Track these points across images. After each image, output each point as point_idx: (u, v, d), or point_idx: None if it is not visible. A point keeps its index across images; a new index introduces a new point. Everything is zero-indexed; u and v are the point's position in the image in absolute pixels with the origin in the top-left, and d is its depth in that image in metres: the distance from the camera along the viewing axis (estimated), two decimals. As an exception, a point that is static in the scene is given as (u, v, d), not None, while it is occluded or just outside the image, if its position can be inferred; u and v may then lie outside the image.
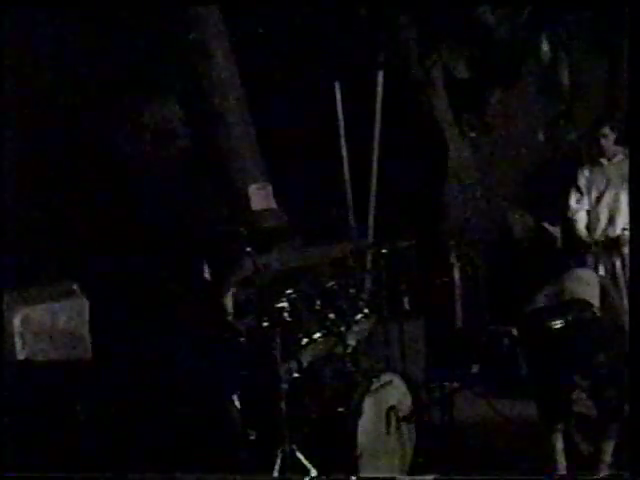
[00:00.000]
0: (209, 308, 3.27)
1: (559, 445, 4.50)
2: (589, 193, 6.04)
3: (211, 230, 3.19)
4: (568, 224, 6.06)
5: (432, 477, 3.86)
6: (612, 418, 4.32)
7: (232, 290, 4.11)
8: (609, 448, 4.35)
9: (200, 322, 3.21)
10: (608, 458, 4.37)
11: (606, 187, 5.99)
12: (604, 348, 4.33)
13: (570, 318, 4.22)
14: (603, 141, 5.96)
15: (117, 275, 3.16)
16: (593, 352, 4.30)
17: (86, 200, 3.29)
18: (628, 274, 5.74)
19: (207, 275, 4.44)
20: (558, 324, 4.22)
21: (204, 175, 3.33)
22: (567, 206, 6.11)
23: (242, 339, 4.09)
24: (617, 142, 5.96)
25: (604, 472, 4.35)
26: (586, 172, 6.06)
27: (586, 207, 6.04)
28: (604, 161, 6.01)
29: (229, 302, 4.11)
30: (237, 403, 3.80)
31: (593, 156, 6.09)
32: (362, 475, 4.02)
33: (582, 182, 6.05)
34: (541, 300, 4.41)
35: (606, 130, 5.97)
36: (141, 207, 3.14)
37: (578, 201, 6.06)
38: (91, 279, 3.29)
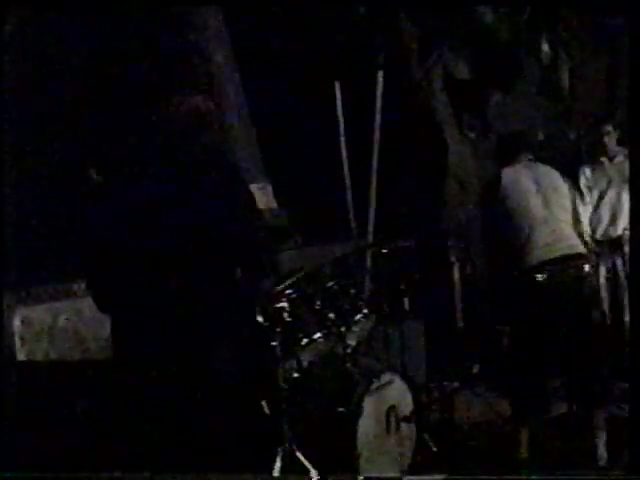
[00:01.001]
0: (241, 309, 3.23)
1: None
2: (590, 193, 6.04)
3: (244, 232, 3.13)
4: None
5: (442, 477, 3.86)
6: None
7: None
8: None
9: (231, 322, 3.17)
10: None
11: (607, 187, 5.98)
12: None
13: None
14: (606, 139, 5.94)
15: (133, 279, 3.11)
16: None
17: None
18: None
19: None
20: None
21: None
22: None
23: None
24: (618, 142, 5.96)
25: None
26: (587, 172, 6.05)
27: (587, 207, 6.04)
28: (605, 161, 6.00)
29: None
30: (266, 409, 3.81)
31: (594, 155, 6.08)
32: (362, 475, 4.03)
33: (583, 182, 6.04)
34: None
35: (609, 128, 5.96)
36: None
37: (581, 198, 6.05)
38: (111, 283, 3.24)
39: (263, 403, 3.79)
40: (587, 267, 4.74)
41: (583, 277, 4.69)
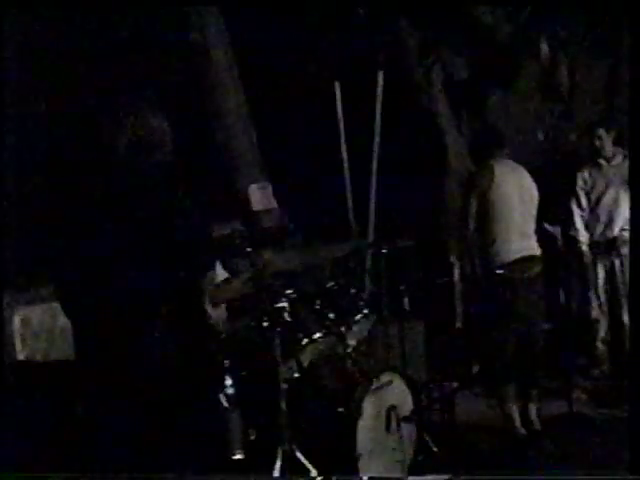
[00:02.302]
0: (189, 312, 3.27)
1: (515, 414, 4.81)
2: (588, 194, 6.04)
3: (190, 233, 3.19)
4: (568, 224, 6.06)
5: (442, 477, 3.86)
6: None
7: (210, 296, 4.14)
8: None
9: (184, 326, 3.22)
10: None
11: (606, 188, 5.98)
12: None
13: None
14: (597, 143, 5.96)
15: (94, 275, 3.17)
16: None
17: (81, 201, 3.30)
18: (627, 275, 5.74)
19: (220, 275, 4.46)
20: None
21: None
22: (567, 206, 6.11)
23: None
24: (617, 143, 5.96)
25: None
26: (585, 174, 6.06)
27: (585, 208, 6.04)
28: (603, 162, 6.00)
29: (209, 307, 4.12)
30: (225, 403, 3.79)
31: (592, 158, 6.08)
32: (362, 475, 4.02)
33: (581, 183, 6.05)
34: None
35: (600, 132, 5.97)
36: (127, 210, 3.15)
37: (577, 202, 6.06)
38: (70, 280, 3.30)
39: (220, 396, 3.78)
40: (538, 269, 4.93)
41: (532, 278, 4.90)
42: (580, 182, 6.04)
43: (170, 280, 3.17)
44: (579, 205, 6.04)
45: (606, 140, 5.94)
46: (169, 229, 3.17)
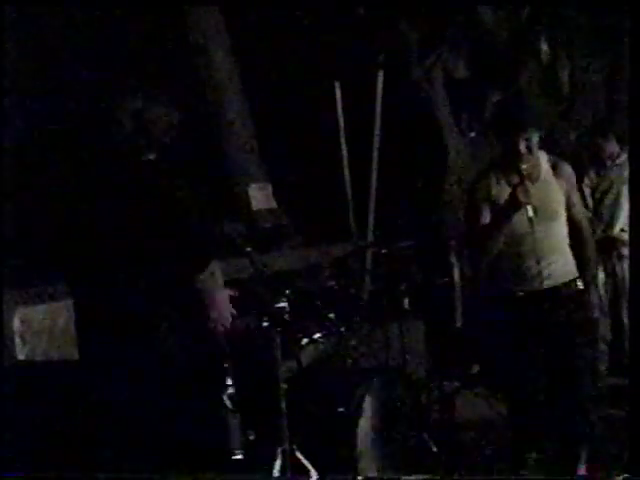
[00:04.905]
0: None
1: None
2: (592, 195, 6.04)
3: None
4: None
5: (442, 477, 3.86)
6: None
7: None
8: None
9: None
10: None
11: (609, 188, 5.99)
12: None
13: None
14: (605, 142, 5.96)
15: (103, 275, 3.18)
16: None
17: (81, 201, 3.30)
18: (627, 275, 5.74)
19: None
20: None
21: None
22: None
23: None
24: (620, 142, 5.96)
25: None
26: (591, 174, 6.06)
27: (590, 207, 6.04)
28: (608, 162, 6.01)
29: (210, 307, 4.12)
30: (228, 403, 3.80)
31: (595, 158, 6.08)
32: (362, 475, 4.03)
33: (586, 182, 6.04)
34: None
35: (607, 132, 5.97)
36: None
37: (584, 201, 6.05)
38: (78, 279, 3.31)
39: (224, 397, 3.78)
40: None
41: None
42: (586, 181, 6.04)
43: (171, 280, 3.18)
44: (585, 205, 6.04)
45: (610, 143, 5.95)
46: (169, 229, 3.17)
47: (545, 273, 3.80)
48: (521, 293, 3.84)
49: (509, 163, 3.78)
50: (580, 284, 3.89)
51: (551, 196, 3.84)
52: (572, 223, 3.92)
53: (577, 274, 3.90)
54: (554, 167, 3.90)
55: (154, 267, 3.15)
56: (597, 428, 3.99)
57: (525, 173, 3.70)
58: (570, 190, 3.92)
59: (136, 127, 3.21)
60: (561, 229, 3.90)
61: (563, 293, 3.86)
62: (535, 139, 3.77)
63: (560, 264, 3.85)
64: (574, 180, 3.96)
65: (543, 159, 3.90)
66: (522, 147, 3.72)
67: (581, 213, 4.01)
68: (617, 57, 7.31)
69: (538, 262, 3.79)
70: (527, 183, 3.66)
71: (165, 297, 3.19)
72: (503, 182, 3.85)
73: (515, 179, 3.73)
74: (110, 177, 3.23)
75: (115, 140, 3.24)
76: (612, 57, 7.42)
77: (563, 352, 3.82)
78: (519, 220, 3.71)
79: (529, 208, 3.65)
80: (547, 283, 3.82)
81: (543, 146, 3.88)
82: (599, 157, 6.04)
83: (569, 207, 3.90)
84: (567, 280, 3.87)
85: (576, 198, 3.98)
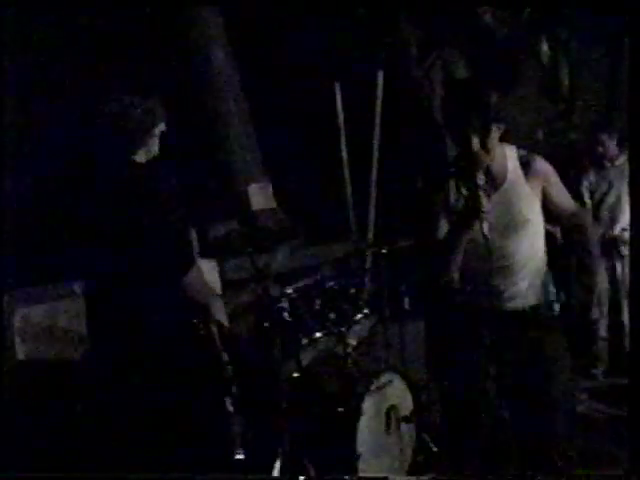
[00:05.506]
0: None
1: None
2: (592, 196, 6.04)
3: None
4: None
5: (442, 477, 3.85)
6: None
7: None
8: None
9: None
10: None
11: (608, 189, 5.99)
12: None
13: None
14: (600, 149, 5.97)
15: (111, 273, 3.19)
16: None
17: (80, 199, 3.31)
18: (627, 275, 5.74)
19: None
20: None
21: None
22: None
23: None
24: (620, 143, 5.96)
25: None
26: (590, 176, 6.05)
27: (589, 208, 6.04)
28: (607, 164, 6.01)
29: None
30: (228, 403, 3.80)
31: (595, 159, 6.08)
32: (362, 475, 4.03)
33: (585, 185, 6.04)
34: None
35: (603, 137, 5.98)
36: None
37: (581, 202, 6.05)
38: (89, 277, 3.33)
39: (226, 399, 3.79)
40: None
41: None
42: (585, 182, 6.04)
43: (159, 281, 3.18)
44: (583, 205, 6.04)
45: (609, 141, 5.95)
46: (152, 231, 3.18)
47: (506, 294, 3.30)
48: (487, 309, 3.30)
49: (465, 167, 3.17)
50: (557, 308, 3.36)
51: (518, 203, 3.26)
52: (559, 215, 3.37)
53: (554, 297, 3.36)
54: (525, 164, 3.29)
55: (141, 268, 3.16)
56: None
57: (481, 182, 3.08)
58: (547, 186, 3.30)
59: (119, 127, 3.22)
60: (531, 241, 3.34)
61: (530, 317, 3.31)
62: (494, 134, 3.19)
63: (526, 284, 3.31)
64: (552, 174, 3.33)
65: (511, 156, 3.31)
66: (475, 145, 3.14)
67: (567, 202, 3.40)
68: (617, 57, 7.30)
69: (503, 280, 3.27)
70: (485, 192, 3.06)
71: (157, 296, 3.19)
72: (463, 190, 3.28)
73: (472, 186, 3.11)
74: (95, 179, 3.24)
75: (97, 141, 3.26)
76: (612, 57, 7.41)
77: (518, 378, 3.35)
78: (479, 234, 3.10)
79: (484, 225, 3.05)
80: (509, 306, 3.31)
81: (511, 140, 3.33)
82: (599, 158, 6.04)
83: (550, 202, 3.32)
84: (536, 304, 3.33)
85: (557, 190, 3.35)
